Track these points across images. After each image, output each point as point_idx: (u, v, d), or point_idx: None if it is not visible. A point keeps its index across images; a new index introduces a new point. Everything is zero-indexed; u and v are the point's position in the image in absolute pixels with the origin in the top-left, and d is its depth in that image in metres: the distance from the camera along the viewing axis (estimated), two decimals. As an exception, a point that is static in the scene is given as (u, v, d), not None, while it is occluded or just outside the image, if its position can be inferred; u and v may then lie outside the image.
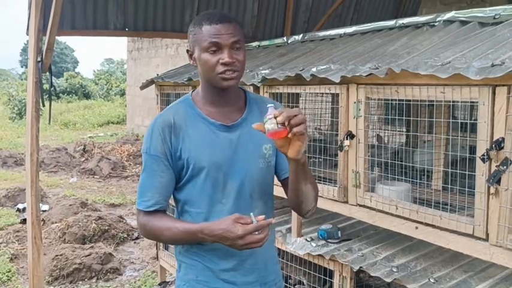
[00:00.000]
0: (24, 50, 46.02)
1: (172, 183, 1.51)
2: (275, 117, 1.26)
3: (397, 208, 1.98)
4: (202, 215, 1.49)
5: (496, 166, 1.59)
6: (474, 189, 1.68)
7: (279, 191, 1.66)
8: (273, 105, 1.34)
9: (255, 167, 1.52)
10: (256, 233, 1.33)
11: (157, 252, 3.89)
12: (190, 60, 1.52)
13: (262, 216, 1.36)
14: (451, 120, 2.22)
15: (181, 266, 1.58)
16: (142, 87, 4.04)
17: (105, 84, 25.82)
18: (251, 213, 1.36)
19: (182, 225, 1.46)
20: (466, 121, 2.05)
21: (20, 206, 6.27)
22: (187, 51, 1.53)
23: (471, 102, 1.74)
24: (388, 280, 1.96)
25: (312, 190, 1.48)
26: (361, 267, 2.08)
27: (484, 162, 1.62)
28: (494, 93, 1.59)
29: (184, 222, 1.50)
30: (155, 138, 1.47)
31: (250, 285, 1.54)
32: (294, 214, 2.49)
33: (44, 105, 3.48)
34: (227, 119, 1.51)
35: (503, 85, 1.56)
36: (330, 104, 2.96)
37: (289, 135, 1.29)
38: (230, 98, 1.53)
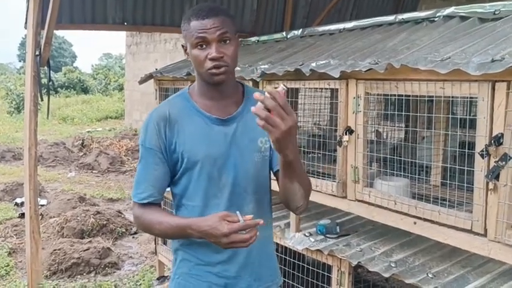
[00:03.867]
0: (23, 44, 45.79)
1: (167, 176, 1.52)
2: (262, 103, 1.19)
3: (395, 203, 1.98)
4: (198, 208, 1.49)
5: (494, 162, 1.59)
6: (473, 184, 1.69)
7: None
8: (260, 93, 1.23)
9: (250, 161, 1.51)
10: (244, 232, 1.31)
11: (155, 247, 3.89)
12: (185, 55, 1.52)
13: (250, 216, 1.34)
14: (450, 115, 2.22)
15: (177, 260, 1.59)
16: (141, 81, 4.03)
17: (104, 79, 25.79)
18: (237, 212, 1.35)
19: (173, 219, 1.47)
20: (465, 117, 2.05)
21: (18, 200, 6.26)
22: (183, 46, 1.52)
23: (470, 97, 1.74)
24: (386, 275, 1.97)
25: (300, 189, 1.43)
26: (359, 262, 2.09)
27: (483, 158, 1.62)
28: (493, 88, 1.59)
29: (176, 217, 1.52)
30: (150, 131, 1.49)
31: (243, 280, 1.53)
32: (293, 209, 2.49)
33: (42, 100, 3.47)
34: (223, 112, 1.51)
35: (503, 81, 1.56)
36: (329, 99, 2.95)
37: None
38: (226, 91, 1.52)
